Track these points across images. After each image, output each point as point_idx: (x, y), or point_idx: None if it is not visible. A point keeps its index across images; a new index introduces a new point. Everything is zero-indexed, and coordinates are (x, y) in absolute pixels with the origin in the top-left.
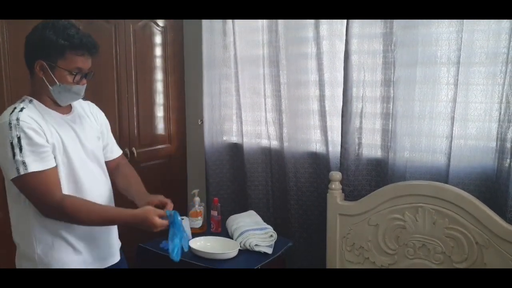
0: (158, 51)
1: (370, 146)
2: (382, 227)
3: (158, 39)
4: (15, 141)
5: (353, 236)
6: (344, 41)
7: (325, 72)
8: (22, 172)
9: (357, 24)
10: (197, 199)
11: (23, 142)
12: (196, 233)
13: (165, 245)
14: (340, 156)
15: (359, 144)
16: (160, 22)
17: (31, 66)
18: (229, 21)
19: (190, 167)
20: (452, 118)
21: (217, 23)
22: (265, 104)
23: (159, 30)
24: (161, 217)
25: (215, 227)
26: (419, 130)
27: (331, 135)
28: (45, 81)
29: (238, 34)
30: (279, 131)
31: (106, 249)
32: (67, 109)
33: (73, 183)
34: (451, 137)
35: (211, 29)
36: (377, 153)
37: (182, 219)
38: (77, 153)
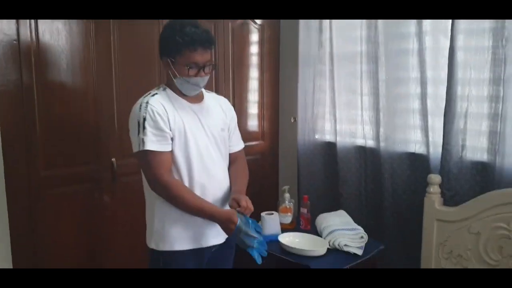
0: (254, 48)
1: (475, 148)
2: (484, 236)
3: (255, 37)
4: (141, 121)
5: (451, 243)
6: (449, 36)
7: (428, 69)
8: (140, 148)
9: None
10: (287, 195)
11: (147, 123)
12: (285, 229)
13: None
14: (441, 158)
15: (463, 146)
16: (258, 20)
17: (162, 61)
18: None
19: (282, 164)
20: None
21: (314, 20)
22: (361, 102)
23: (256, 28)
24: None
25: (304, 224)
26: None
27: (432, 135)
28: (170, 74)
29: (335, 31)
30: (375, 130)
31: (212, 229)
32: (197, 99)
33: (187, 164)
34: None
35: (308, 26)
36: (483, 156)
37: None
38: (198, 138)
